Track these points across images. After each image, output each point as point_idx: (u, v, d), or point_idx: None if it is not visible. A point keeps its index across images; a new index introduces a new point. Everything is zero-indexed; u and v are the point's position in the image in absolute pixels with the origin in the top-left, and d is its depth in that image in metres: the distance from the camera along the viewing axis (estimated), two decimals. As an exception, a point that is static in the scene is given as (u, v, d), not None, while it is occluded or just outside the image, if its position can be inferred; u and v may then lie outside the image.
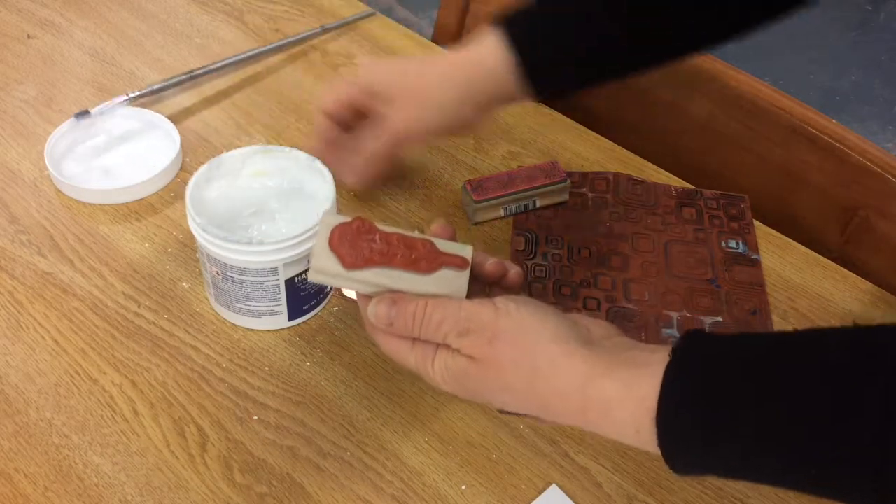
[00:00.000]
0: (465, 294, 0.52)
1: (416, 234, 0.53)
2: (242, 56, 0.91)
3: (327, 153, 0.71)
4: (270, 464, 0.61)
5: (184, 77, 0.88)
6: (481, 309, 0.50)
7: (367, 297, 0.53)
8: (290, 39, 0.95)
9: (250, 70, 0.92)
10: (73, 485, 0.59)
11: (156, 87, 0.86)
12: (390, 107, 0.69)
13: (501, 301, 0.50)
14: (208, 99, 0.88)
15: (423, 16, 2.54)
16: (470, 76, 0.67)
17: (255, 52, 0.92)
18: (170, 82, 0.87)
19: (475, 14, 1.01)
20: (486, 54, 0.66)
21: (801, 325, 0.72)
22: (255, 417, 0.63)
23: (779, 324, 0.72)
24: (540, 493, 0.60)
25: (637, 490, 0.61)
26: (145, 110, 0.84)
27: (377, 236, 0.52)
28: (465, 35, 1.03)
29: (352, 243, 0.52)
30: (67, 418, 0.63)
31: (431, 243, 0.53)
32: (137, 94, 0.85)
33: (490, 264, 0.54)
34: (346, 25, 0.98)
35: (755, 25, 0.66)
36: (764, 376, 0.43)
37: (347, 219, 0.53)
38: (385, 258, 0.52)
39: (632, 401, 0.45)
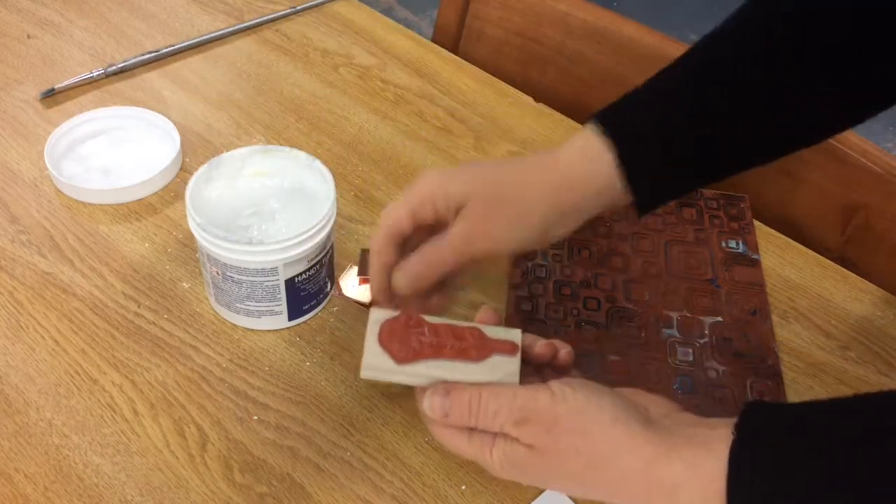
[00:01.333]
0: (517, 379, 0.52)
1: (464, 323, 0.54)
2: (212, 35, 0.94)
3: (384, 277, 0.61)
4: (270, 464, 0.61)
5: (150, 56, 0.90)
6: (537, 395, 0.49)
7: (422, 389, 0.53)
8: (260, 20, 0.97)
9: (250, 69, 0.92)
10: (73, 485, 0.59)
11: (121, 64, 0.89)
12: (468, 222, 0.58)
13: (557, 386, 0.49)
14: (208, 99, 0.88)
15: (423, 16, 2.54)
16: (570, 194, 0.59)
17: (226, 31, 0.95)
18: (136, 60, 0.90)
19: (475, 14, 1.01)
20: (592, 168, 0.59)
21: (802, 325, 0.72)
22: (255, 417, 0.63)
23: (779, 323, 0.72)
24: (540, 493, 0.60)
25: None
26: (145, 110, 0.84)
27: (426, 329, 0.54)
28: (464, 35, 1.03)
29: (401, 338, 0.53)
30: (67, 418, 0.63)
31: (479, 331, 0.54)
32: (102, 71, 0.88)
33: (540, 346, 0.54)
34: (316, 7, 1.00)
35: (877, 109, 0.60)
36: (830, 448, 0.42)
37: (395, 313, 0.54)
38: (435, 350, 0.53)
39: (699, 482, 0.45)
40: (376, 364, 0.53)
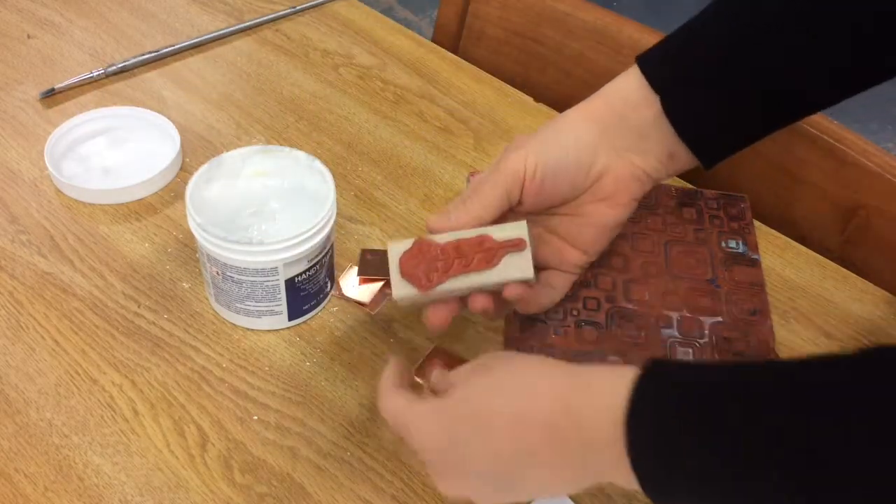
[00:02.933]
0: (531, 272, 0.56)
1: (472, 232, 0.57)
2: (212, 35, 0.94)
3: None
4: (270, 464, 0.61)
5: (150, 56, 0.90)
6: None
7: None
8: (260, 19, 0.97)
9: (250, 69, 0.92)
10: (73, 485, 0.59)
11: (121, 64, 0.89)
12: (510, 150, 0.60)
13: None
14: (208, 99, 0.88)
15: (423, 16, 2.54)
16: (601, 109, 0.59)
17: (226, 31, 0.95)
18: (136, 60, 0.90)
19: (475, 14, 1.01)
20: (627, 93, 0.59)
21: (802, 325, 0.72)
22: (255, 417, 0.63)
23: (779, 323, 0.72)
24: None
25: (636, 490, 0.61)
26: (145, 110, 0.84)
27: (439, 250, 0.57)
28: (464, 35, 1.03)
29: (419, 266, 0.57)
30: (67, 418, 0.63)
31: (488, 236, 0.57)
32: (102, 71, 0.88)
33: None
34: (316, 7, 1.00)
35: None
36: (718, 403, 0.43)
37: (409, 243, 0.58)
38: (451, 269, 0.57)
39: (614, 377, 0.46)
40: (404, 295, 0.57)
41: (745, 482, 0.41)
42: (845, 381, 0.41)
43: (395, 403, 0.53)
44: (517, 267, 0.56)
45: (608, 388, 0.46)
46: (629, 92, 0.59)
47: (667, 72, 0.58)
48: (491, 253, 0.57)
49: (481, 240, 0.57)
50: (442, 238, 0.58)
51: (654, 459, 0.44)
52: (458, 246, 0.57)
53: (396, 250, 0.58)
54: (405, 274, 0.57)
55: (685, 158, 0.60)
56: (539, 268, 0.61)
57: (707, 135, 0.59)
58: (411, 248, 0.58)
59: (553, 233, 0.64)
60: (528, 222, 0.58)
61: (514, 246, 0.57)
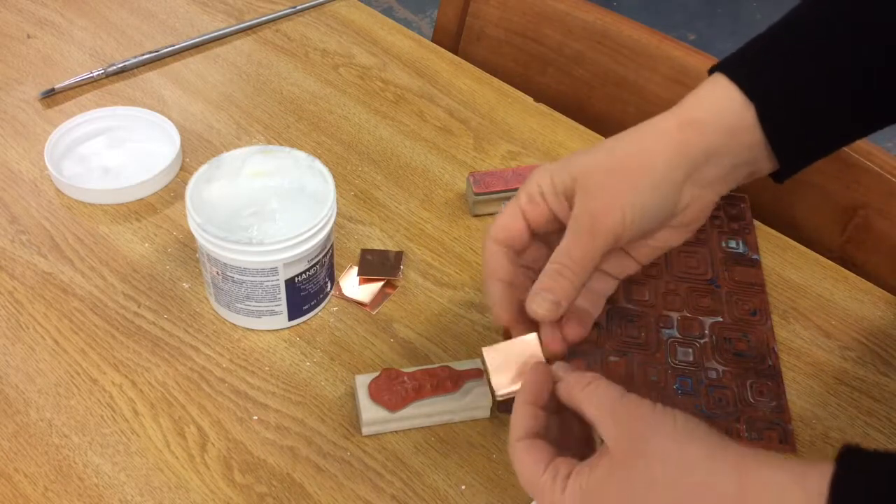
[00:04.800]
0: (488, 397, 0.62)
1: (434, 365, 0.64)
2: (212, 35, 0.94)
3: (510, 303, 0.53)
4: (270, 464, 0.61)
5: (150, 56, 0.90)
6: (642, 401, 0.46)
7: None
8: (260, 19, 0.97)
9: (250, 69, 0.92)
10: (73, 485, 0.59)
11: (121, 64, 0.89)
12: (587, 198, 0.51)
13: (661, 406, 0.46)
14: (208, 99, 0.88)
15: (423, 16, 2.54)
16: (696, 132, 0.52)
17: (226, 31, 0.95)
18: (136, 60, 0.90)
19: (475, 14, 1.01)
20: (719, 111, 0.52)
21: (802, 325, 0.72)
22: (255, 417, 0.63)
23: (779, 323, 0.72)
24: (540, 493, 0.60)
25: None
26: (145, 110, 0.84)
27: (405, 377, 0.63)
28: (464, 35, 1.03)
29: (388, 391, 0.62)
30: (67, 418, 0.63)
31: (448, 367, 0.64)
32: (102, 71, 0.88)
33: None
34: (316, 7, 1.00)
35: None
36: None
37: (375, 374, 0.63)
38: (417, 392, 0.63)
39: (802, 491, 0.40)
40: (374, 418, 0.62)
41: None
42: None
43: (532, 473, 0.47)
44: (475, 392, 0.63)
45: (797, 498, 0.40)
46: (724, 113, 0.52)
47: (765, 80, 0.52)
48: (458, 378, 0.63)
49: (444, 368, 0.64)
50: (406, 370, 0.64)
51: None
52: (426, 371, 0.63)
53: (363, 381, 0.63)
54: (375, 398, 0.62)
55: (765, 171, 0.55)
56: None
57: (800, 145, 0.54)
58: (379, 376, 0.63)
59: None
60: None
61: (475, 374, 0.63)
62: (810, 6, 0.54)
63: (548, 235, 0.55)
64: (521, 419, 0.49)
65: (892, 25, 0.52)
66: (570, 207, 0.52)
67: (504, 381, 0.54)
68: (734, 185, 0.55)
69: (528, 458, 0.47)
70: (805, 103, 0.52)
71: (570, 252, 0.51)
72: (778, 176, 0.55)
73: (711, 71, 0.54)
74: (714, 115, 0.52)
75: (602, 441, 0.47)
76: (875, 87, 0.52)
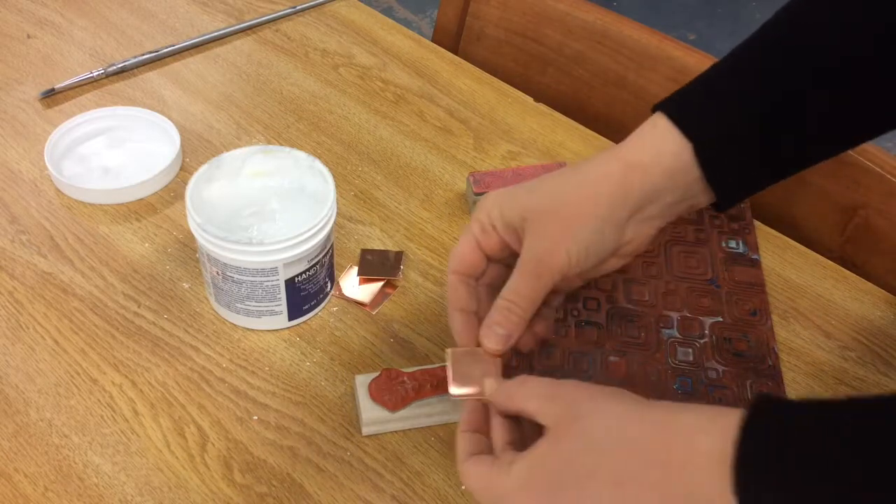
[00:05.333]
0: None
1: (436, 365, 0.64)
2: (212, 35, 0.94)
3: (472, 331, 0.57)
4: (270, 464, 0.61)
5: (150, 56, 0.90)
6: (564, 382, 0.50)
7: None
8: (260, 19, 0.97)
9: (250, 69, 0.92)
10: (73, 485, 0.59)
11: (121, 64, 0.89)
12: (534, 239, 0.54)
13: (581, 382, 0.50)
14: (208, 99, 0.88)
15: (423, 16, 2.54)
16: (637, 174, 0.54)
17: (226, 31, 0.95)
18: (136, 60, 0.90)
19: (475, 14, 1.01)
20: (659, 153, 0.54)
21: (802, 325, 0.72)
22: (255, 417, 0.63)
23: (779, 323, 0.72)
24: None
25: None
26: (145, 110, 0.84)
27: (405, 377, 0.64)
28: (464, 35, 1.03)
29: (388, 391, 0.63)
30: (67, 418, 0.63)
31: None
32: (102, 71, 0.88)
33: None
34: (316, 7, 1.00)
35: None
36: (846, 435, 0.40)
37: (375, 374, 0.64)
38: (417, 392, 0.63)
39: (716, 427, 0.42)
40: (374, 418, 0.62)
41: None
42: None
43: (480, 475, 0.49)
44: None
45: (711, 434, 0.43)
46: (664, 154, 0.54)
47: (701, 119, 0.54)
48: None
49: (443, 368, 0.60)
50: (406, 370, 0.64)
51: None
52: (425, 371, 0.64)
53: (364, 381, 0.63)
54: (375, 398, 0.62)
55: (705, 203, 0.56)
56: None
57: (736, 180, 0.56)
58: (379, 376, 0.63)
59: None
60: None
61: None
62: (747, 45, 0.56)
63: (505, 258, 0.58)
64: (462, 445, 0.52)
65: (820, 69, 0.53)
66: (520, 240, 0.55)
67: (461, 383, 0.56)
68: (674, 218, 0.57)
69: (473, 470, 0.50)
70: (740, 140, 0.54)
71: (518, 290, 0.55)
72: (718, 207, 0.57)
73: (654, 109, 0.56)
74: (654, 158, 0.54)
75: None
76: (808, 122, 0.54)
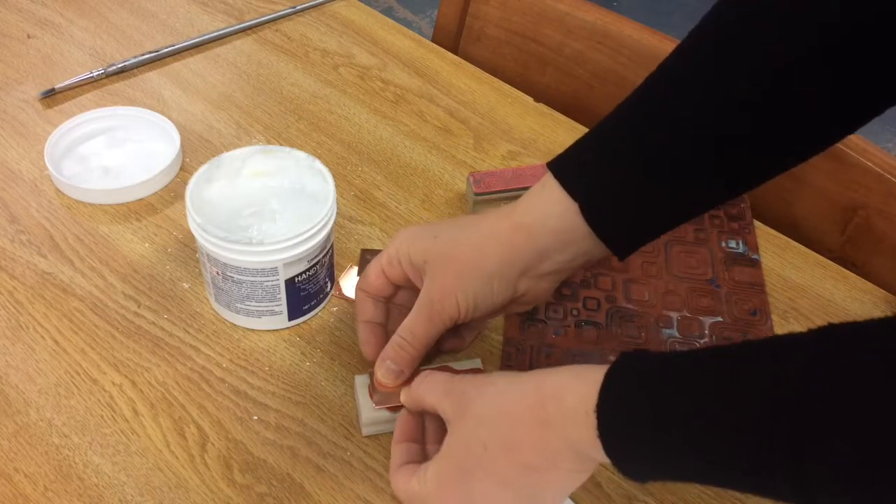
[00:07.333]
0: None
1: (434, 365, 0.63)
2: (212, 35, 0.94)
3: (376, 341, 0.62)
4: (270, 464, 0.61)
5: (150, 56, 0.90)
6: (456, 377, 0.55)
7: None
8: (260, 19, 0.97)
9: (250, 69, 0.92)
10: (73, 485, 0.59)
11: (121, 64, 0.89)
12: (430, 282, 0.58)
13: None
14: (208, 99, 0.88)
15: (423, 16, 2.55)
16: (524, 237, 0.56)
17: (226, 31, 0.95)
18: (136, 60, 0.90)
19: (475, 14, 1.02)
20: (545, 214, 0.56)
21: (802, 325, 0.72)
22: (255, 417, 0.63)
23: (779, 323, 0.72)
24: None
25: (637, 490, 0.61)
26: (145, 110, 0.84)
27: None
28: (464, 35, 1.03)
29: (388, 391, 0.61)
30: (67, 418, 0.63)
31: (448, 366, 0.62)
32: (102, 71, 0.88)
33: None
34: (316, 7, 1.00)
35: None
36: (697, 380, 0.43)
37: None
38: None
39: (582, 382, 0.46)
40: (374, 418, 0.61)
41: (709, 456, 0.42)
42: (803, 359, 0.41)
43: (405, 484, 0.53)
44: None
45: (578, 389, 0.47)
46: (550, 217, 0.56)
47: (587, 178, 0.56)
48: None
49: (443, 367, 0.62)
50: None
51: (622, 443, 0.45)
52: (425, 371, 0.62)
53: (363, 381, 0.62)
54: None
55: (602, 255, 0.58)
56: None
57: (627, 235, 0.57)
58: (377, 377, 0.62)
59: None
60: None
61: (472, 373, 0.60)
62: (631, 100, 0.58)
63: (413, 286, 0.61)
64: (394, 455, 0.56)
65: (698, 119, 0.54)
66: (422, 280, 0.59)
67: (382, 398, 0.60)
68: (572, 273, 0.59)
69: (400, 480, 0.54)
70: (626, 197, 0.55)
71: (412, 329, 0.58)
72: (618, 257, 0.58)
73: (548, 166, 0.57)
74: (540, 219, 0.56)
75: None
76: (691, 174, 0.55)
